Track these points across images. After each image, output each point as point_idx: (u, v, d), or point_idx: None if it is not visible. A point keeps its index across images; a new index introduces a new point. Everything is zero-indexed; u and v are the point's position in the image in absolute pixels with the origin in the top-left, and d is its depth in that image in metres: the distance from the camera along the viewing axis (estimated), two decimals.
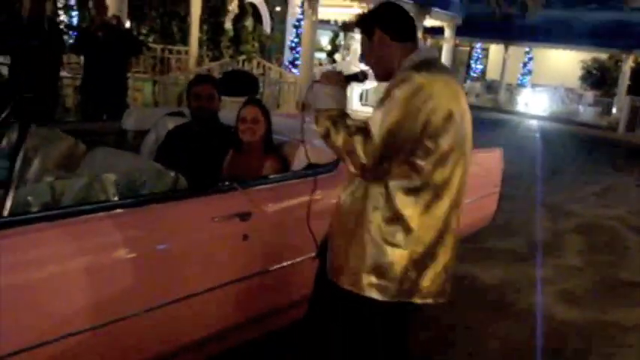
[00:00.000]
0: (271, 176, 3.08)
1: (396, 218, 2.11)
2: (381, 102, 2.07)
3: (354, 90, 15.46)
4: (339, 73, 2.32)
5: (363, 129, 2.05)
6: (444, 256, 2.21)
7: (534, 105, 23.77)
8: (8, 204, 2.03)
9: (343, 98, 2.23)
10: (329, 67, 17.64)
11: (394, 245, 2.11)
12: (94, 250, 2.24)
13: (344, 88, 2.27)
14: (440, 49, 22.22)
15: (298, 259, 2.97)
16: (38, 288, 2.07)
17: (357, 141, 2.03)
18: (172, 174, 2.67)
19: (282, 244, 2.92)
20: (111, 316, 2.25)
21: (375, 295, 2.15)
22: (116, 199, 2.52)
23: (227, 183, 2.80)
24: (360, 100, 15.77)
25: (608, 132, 19.36)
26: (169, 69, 13.03)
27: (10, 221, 2.06)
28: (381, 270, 2.13)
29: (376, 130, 2.01)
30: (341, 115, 2.14)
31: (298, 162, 3.25)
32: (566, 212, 7.50)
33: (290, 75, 13.67)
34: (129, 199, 2.50)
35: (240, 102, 3.47)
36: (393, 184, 2.10)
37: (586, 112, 22.85)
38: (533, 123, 20.21)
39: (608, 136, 18.52)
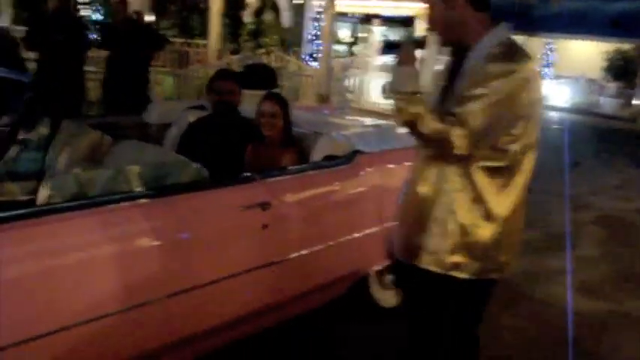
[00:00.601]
0: (290, 167, 3.17)
1: (477, 199, 2.11)
2: (474, 88, 2.00)
3: (373, 82, 15.43)
4: (411, 48, 2.18)
5: (458, 117, 1.99)
6: (517, 233, 2.24)
7: (555, 96, 23.53)
8: (41, 194, 2.14)
9: (418, 76, 2.14)
10: (348, 60, 17.62)
11: (476, 225, 2.13)
12: (120, 239, 2.34)
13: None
14: None
15: (316, 248, 3.05)
16: (67, 273, 2.17)
17: (454, 131, 1.98)
18: (195, 165, 2.76)
19: (301, 233, 3.00)
20: (136, 300, 2.35)
21: (458, 274, 2.17)
22: (140, 189, 2.63)
23: (247, 174, 2.90)
24: (383, 93, 15.71)
25: (630, 124, 19.14)
26: (189, 62, 13.15)
27: (42, 210, 2.17)
28: (464, 249, 2.14)
29: (474, 121, 1.98)
30: (422, 100, 2.07)
31: (317, 154, 3.33)
32: (584, 204, 7.49)
33: (309, 68, 13.71)
34: (153, 189, 2.61)
35: (259, 95, 3.56)
36: (474, 166, 2.09)
37: (608, 103, 22.58)
38: (554, 114, 20.02)
39: (630, 127, 18.32)
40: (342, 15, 20.42)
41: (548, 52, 26.21)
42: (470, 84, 2.04)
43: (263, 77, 3.87)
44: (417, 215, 2.23)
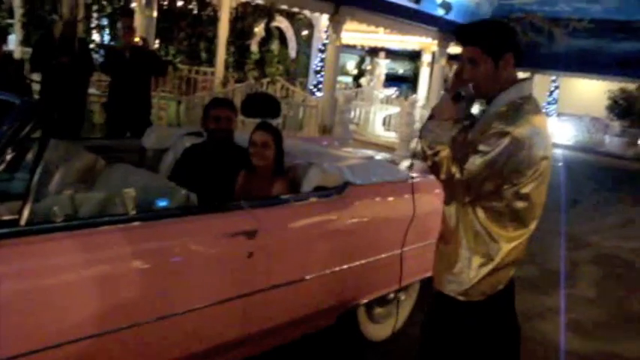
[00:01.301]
0: (278, 196, 3.17)
1: (483, 234, 2.33)
2: (478, 143, 2.21)
3: (377, 115, 15.55)
4: (451, 104, 2.35)
5: (463, 169, 2.22)
6: (515, 263, 2.44)
7: (559, 134, 23.59)
8: (25, 214, 2.15)
9: (451, 129, 2.32)
10: (351, 91, 17.73)
11: (482, 257, 2.35)
12: (107, 260, 2.34)
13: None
14: None
15: (302, 278, 3.04)
16: (52, 293, 2.17)
17: (458, 179, 2.23)
18: (183, 192, 2.78)
19: (286, 262, 2.99)
20: (119, 323, 2.34)
21: (456, 295, 2.41)
22: (129, 213, 2.63)
23: (235, 202, 2.90)
24: (383, 125, 15.85)
25: (634, 163, 19.14)
26: (195, 89, 13.25)
27: (28, 230, 2.17)
28: (464, 276, 2.38)
29: (473, 174, 2.21)
30: (446, 150, 2.27)
31: (307, 184, 3.34)
32: (583, 243, 7.46)
33: (313, 98, 13.82)
34: (141, 213, 2.62)
35: None
36: (479, 205, 2.32)
37: (612, 142, 22.59)
38: (558, 152, 20.03)
39: (634, 167, 18.31)
40: (350, 47, 20.63)
41: (553, 89, 26.33)
42: (477, 138, 2.26)
43: (265, 106, 3.87)
44: (442, 245, 2.52)
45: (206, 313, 2.65)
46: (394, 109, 15.27)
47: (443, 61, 16.41)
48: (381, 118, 15.82)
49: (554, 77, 25.90)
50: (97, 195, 2.92)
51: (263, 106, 3.82)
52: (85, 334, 2.25)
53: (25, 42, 12.08)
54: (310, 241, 3.10)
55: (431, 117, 2.38)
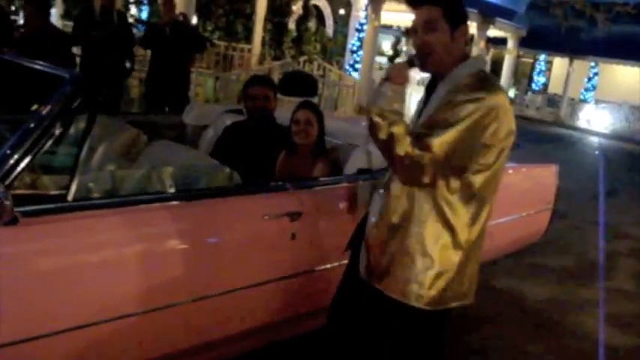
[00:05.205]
0: (323, 178, 3.13)
1: (444, 229, 2.10)
2: (443, 115, 2.02)
3: (413, 96, 15.38)
4: (406, 67, 2.16)
5: (426, 144, 1.98)
6: (476, 261, 2.22)
7: (596, 121, 23.15)
8: (72, 190, 2.14)
9: (405, 97, 2.15)
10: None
11: (443, 255, 2.11)
12: (148, 238, 2.33)
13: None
14: (502, 60, 22.01)
15: (344, 262, 3.00)
16: (94, 270, 2.17)
17: (425, 157, 1.98)
18: (227, 170, 2.75)
19: (329, 245, 2.96)
20: (159, 302, 2.33)
21: (420, 304, 2.14)
22: (172, 190, 2.62)
23: (279, 182, 2.87)
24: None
25: None
26: (232, 66, 13.25)
27: (73, 206, 2.17)
28: (428, 280, 2.12)
29: (440, 148, 1.97)
30: (403, 121, 2.06)
31: (351, 166, 3.29)
32: (621, 234, 7.29)
33: (349, 78, 13.72)
34: (185, 191, 2.60)
35: (297, 102, 3.54)
36: (442, 195, 2.07)
37: None
38: (594, 140, 19.70)
39: None
40: (386, 27, 20.39)
41: (592, 76, 25.78)
42: (438, 112, 2.04)
43: (303, 85, 3.85)
44: (387, 243, 2.20)
45: (245, 294, 2.62)
46: None
47: (482, 44, 16.15)
48: (417, 100, 15.62)
49: (592, 63, 25.33)
50: (138, 171, 2.92)
51: (300, 84, 3.79)
52: (126, 313, 2.24)
53: (65, 16, 12.19)
54: (352, 225, 3.06)
55: (385, 80, 2.14)
